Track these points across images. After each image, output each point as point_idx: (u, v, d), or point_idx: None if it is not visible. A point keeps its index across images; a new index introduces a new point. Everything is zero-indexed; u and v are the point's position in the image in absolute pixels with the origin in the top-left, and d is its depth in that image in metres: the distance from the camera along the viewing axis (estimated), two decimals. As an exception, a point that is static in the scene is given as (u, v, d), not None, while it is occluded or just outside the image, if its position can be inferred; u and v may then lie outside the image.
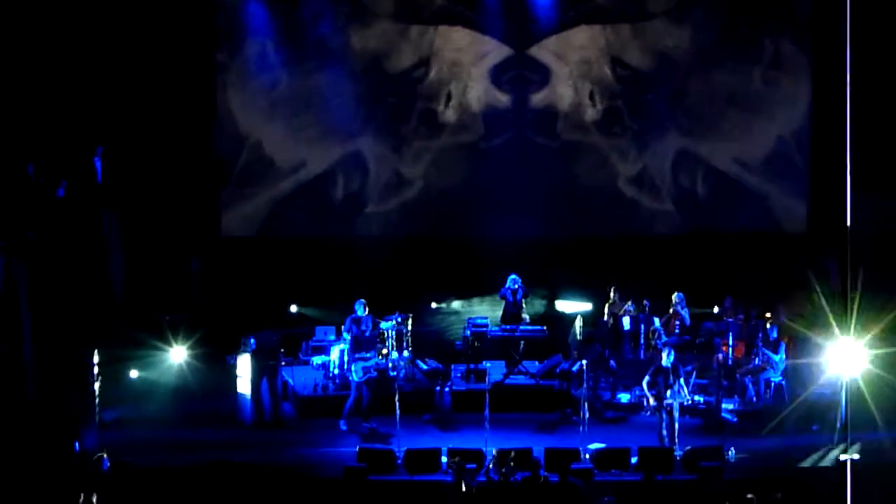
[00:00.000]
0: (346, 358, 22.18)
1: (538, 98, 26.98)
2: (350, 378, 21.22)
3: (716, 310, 24.68)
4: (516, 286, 23.61)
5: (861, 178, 25.37)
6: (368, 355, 21.16)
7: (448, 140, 27.12)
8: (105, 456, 16.87)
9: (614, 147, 27.13)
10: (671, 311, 23.49)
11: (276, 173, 26.93)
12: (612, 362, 22.81)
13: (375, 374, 21.16)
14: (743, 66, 26.74)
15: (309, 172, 26.97)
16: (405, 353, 23.17)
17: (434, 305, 25.45)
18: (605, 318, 23.81)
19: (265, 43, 26.54)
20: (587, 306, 25.29)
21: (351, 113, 26.63)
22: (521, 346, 23.37)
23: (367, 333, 21.45)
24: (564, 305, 26.03)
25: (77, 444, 18.59)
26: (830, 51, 25.52)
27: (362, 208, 27.00)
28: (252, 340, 21.74)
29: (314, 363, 23.53)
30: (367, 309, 22.10)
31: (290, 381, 22.61)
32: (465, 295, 25.82)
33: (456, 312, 26.21)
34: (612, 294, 24.07)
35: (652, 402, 20.10)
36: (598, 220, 27.00)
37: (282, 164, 26.88)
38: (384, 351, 22.19)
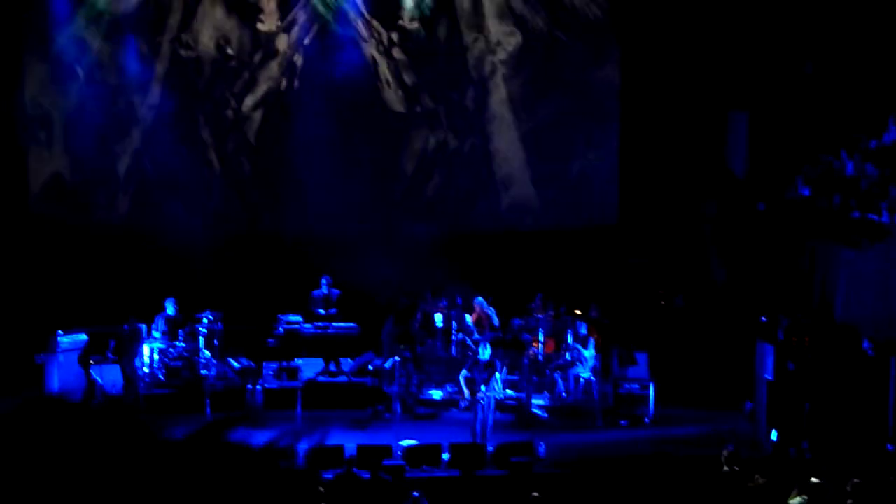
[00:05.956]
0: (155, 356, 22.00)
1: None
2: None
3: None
4: (328, 286, 23.66)
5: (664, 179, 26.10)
6: None
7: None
8: None
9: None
10: (475, 315, 23.62)
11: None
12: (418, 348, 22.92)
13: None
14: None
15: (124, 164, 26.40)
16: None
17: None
18: (418, 314, 23.83)
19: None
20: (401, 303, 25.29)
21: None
22: (332, 366, 23.30)
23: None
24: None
25: None
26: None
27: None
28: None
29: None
30: (177, 306, 21.85)
31: (99, 379, 22.14)
32: (279, 295, 25.42)
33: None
34: (427, 295, 24.13)
35: (467, 396, 20.25)
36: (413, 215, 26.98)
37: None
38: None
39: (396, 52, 26.63)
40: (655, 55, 25.76)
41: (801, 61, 25.34)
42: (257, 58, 26.46)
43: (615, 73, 26.74)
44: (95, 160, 26.10)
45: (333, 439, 19.27)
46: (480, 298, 23.70)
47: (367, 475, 17.15)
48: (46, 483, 2.29)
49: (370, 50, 26.55)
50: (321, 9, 26.09)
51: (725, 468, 16.34)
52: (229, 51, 26.26)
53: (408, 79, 26.73)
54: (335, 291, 23.77)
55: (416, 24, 26.52)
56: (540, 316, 23.52)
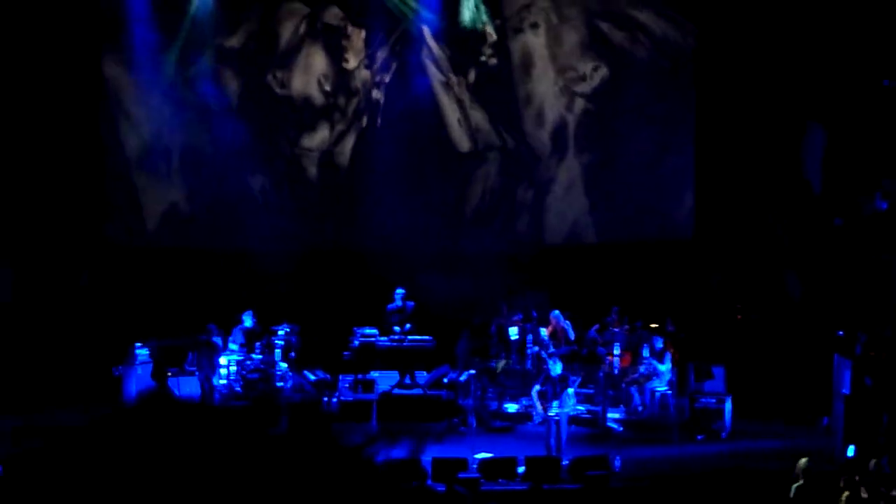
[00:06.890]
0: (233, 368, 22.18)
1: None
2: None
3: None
4: (403, 299, 23.71)
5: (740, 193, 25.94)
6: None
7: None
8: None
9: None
10: (550, 328, 23.61)
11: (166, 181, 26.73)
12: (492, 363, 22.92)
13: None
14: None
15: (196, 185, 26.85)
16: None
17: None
18: (493, 327, 23.86)
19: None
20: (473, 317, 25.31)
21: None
22: (407, 378, 23.35)
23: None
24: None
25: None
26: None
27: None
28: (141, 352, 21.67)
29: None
30: (255, 319, 22.01)
31: (176, 391, 22.34)
32: (353, 306, 25.57)
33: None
34: (503, 308, 24.15)
35: (541, 410, 20.22)
36: (485, 230, 27.07)
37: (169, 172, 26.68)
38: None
39: (473, 90, 27.07)
40: (731, 71, 25.65)
41: (878, 75, 25.14)
42: (342, 93, 27.10)
43: (691, 88, 26.69)
44: (204, 186, 26.68)
45: (408, 452, 19.30)
46: (557, 312, 23.69)
47: (443, 488, 17.15)
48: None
49: (446, 88, 26.98)
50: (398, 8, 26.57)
51: (801, 481, 16.18)
52: (327, 87, 26.89)
53: (481, 115, 27.09)
54: (410, 304, 23.81)
55: (494, 61, 26.79)
56: (616, 329, 23.49)
